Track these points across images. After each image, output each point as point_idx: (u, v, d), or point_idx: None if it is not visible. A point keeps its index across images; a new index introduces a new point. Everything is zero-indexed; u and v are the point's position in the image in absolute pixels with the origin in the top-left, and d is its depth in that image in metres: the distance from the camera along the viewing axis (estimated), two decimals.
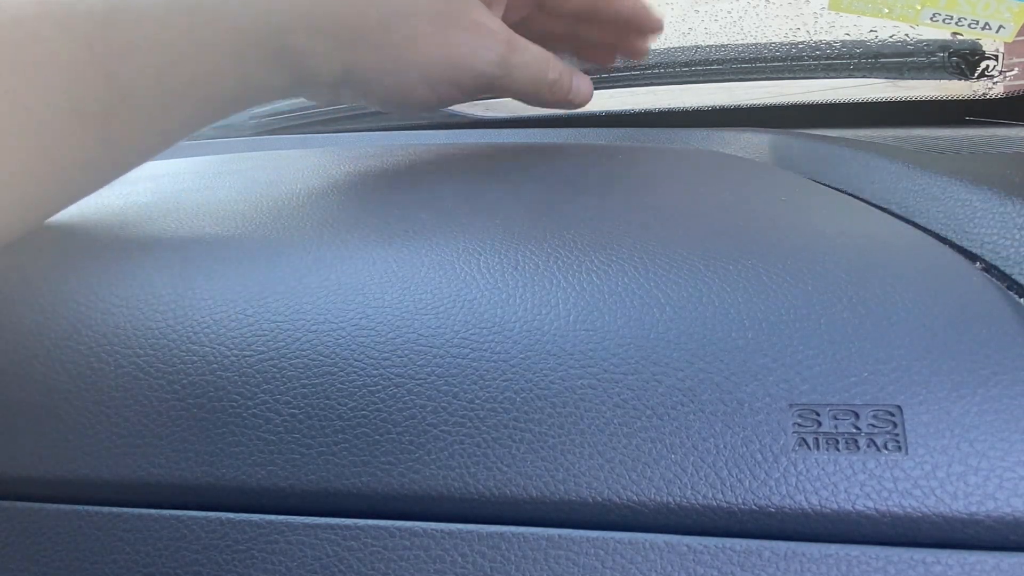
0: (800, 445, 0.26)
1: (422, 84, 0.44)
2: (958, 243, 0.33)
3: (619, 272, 0.32)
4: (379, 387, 0.30)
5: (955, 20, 0.48)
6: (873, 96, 0.69)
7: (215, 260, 0.37)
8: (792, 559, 0.25)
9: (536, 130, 0.75)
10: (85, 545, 0.31)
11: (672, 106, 0.75)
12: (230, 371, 0.32)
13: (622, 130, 0.69)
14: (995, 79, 0.60)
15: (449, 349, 0.30)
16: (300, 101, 0.97)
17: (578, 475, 0.27)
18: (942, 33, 0.52)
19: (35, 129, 0.31)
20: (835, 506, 0.25)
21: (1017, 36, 0.46)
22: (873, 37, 0.64)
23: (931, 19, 0.48)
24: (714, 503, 0.26)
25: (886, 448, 0.25)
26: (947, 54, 0.59)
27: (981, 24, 0.47)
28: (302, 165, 0.58)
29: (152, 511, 0.31)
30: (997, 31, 0.46)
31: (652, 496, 0.26)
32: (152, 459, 0.31)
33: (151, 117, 0.36)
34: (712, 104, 0.72)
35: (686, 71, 0.70)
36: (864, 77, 0.63)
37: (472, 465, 0.28)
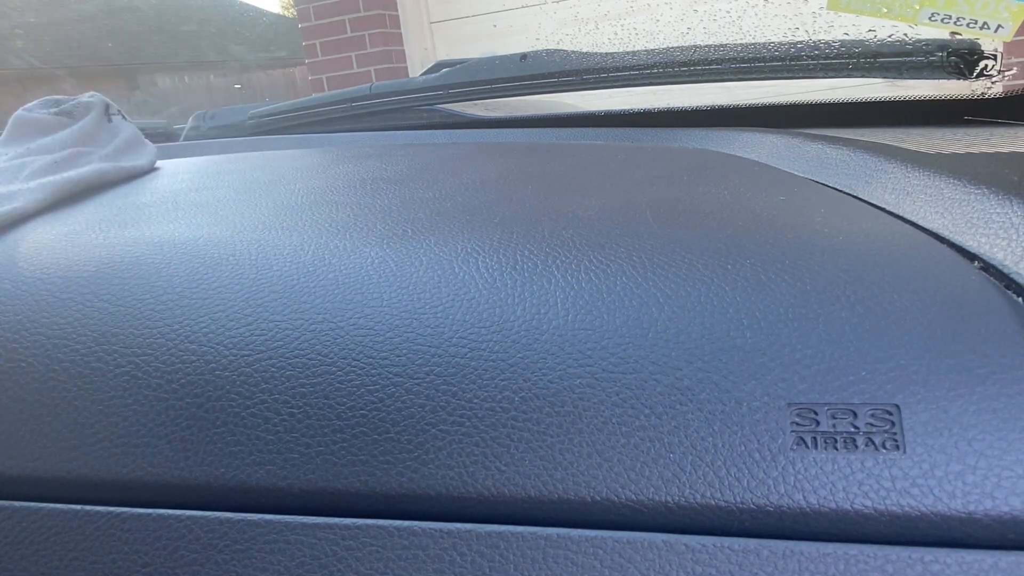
0: (798, 444, 0.26)
1: None
2: (956, 242, 0.33)
3: (617, 272, 0.32)
4: (377, 387, 0.30)
5: (954, 19, 0.48)
6: (872, 96, 0.69)
7: (214, 260, 0.37)
8: (790, 558, 0.25)
9: (536, 130, 0.75)
10: (85, 545, 0.31)
11: (671, 106, 0.75)
12: (229, 371, 0.32)
13: (622, 130, 0.69)
14: (994, 79, 0.60)
15: (448, 349, 0.30)
16: (300, 101, 0.97)
17: (576, 474, 0.27)
18: (941, 32, 0.52)
19: None
20: (833, 505, 0.25)
21: (1016, 35, 0.46)
22: (872, 37, 0.64)
23: (930, 18, 0.48)
24: (712, 502, 0.26)
25: (884, 447, 0.25)
26: (946, 54, 0.59)
27: (980, 23, 0.47)
28: (302, 165, 0.58)
29: (152, 511, 0.31)
30: (996, 30, 0.46)
31: (650, 495, 0.26)
32: (151, 459, 0.31)
33: None
34: (711, 104, 0.72)
35: (685, 71, 0.70)
36: (863, 77, 0.63)
37: (471, 464, 0.28)
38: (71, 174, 0.53)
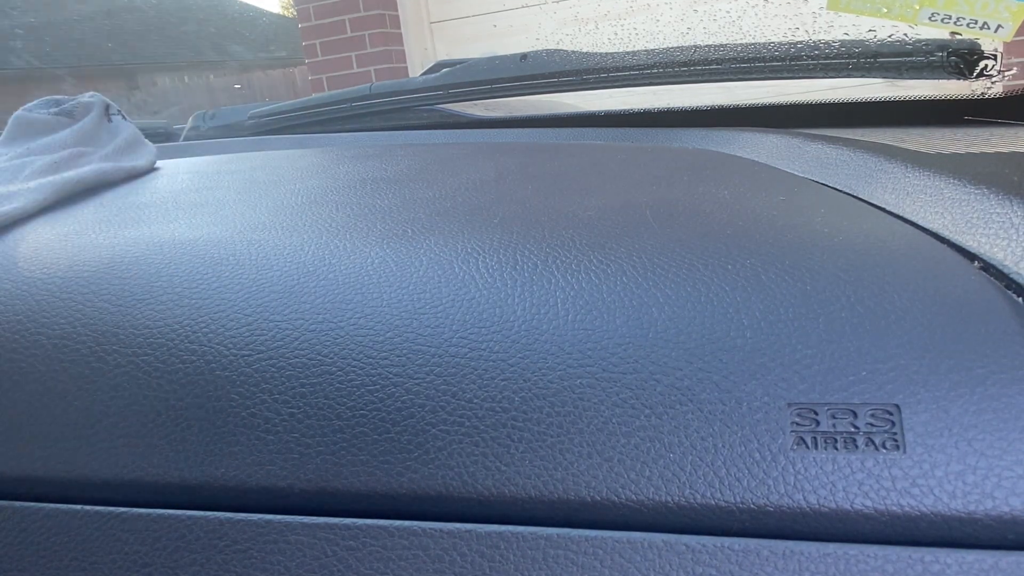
0: (798, 444, 0.26)
1: None
2: (956, 242, 0.33)
3: (618, 272, 0.32)
4: (378, 387, 0.30)
5: (954, 19, 0.48)
6: (872, 96, 0.69)
7: (214, 260, 0.37)
8: (790, 558, 0.25)
9: (536, 130, 0.75)
10: (85, 545, 0.31)
11: (671, 106, 0.75)
12: (229, 371, 0.32)
13: (622, 130, 0.69)
14: (994, 79, 0.60)
15: (448, 349, 0.30)
16: (300, 101, 0.97)
17: (576, 474, 0.27)
18: (941, 32, 0.52)
19: None
20: (833, 505, 0.25)
21: (1016, 35, 0.46)
22: (872, 37, 0.64)
23: (930, 18, 0.48)
24: (712, 502, 0.26)
25: (884, 447, 0.25)
26: (946, 54, 0.59)
27: (980, 23, 0.47)
28: (301, 165, 0.58)
29: (152, 511, 0.31)
30: (996, 30, 0.46)
31: (650, 495, 0.26)
32: (151, 459, 0.31)
33: None
34: (711, 104, 0.72)
35: (685, 71, 0.70)
36: (863, 77, 0.63)
37: (471, 465, 0.28)
38: (71, 174, 0.53)
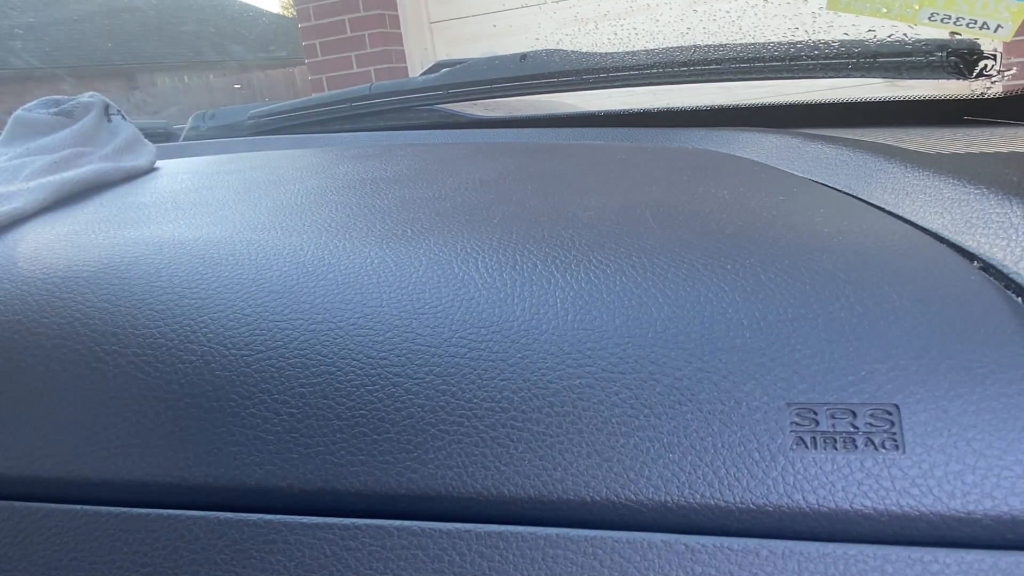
0: (798, 444, 0.26)
1: None
2: (956, 242, 0.33)
3: (617, 272, 0.32)
4: (377, 387, 0.30)
5: (953, 19, 0.48)
6: (872, 96, 0.69)
7: (214, 260, 0.37)
8: (790, 558, 0.25)
9: (536, 130, 0.75)
10: (85, 545, 0.31)
11: (671, 106, 0.75)
12: (228, 371, 0.32)
13: (621, 130, 0.69)
14: (993, 79, 0.60)
15: (447, 349, 0.30)
16: (300, 101, 0.97)
17: (576, 474, 0.27)
18: (940, 32, 0.52)
19: None
20: (833, 505, 0.25)
21: (1016, 35, 0.46)
22: (872, 37, 0.64)
23: (929, 18, 0.48)
24: (712, 502, 0.26)
25: (884, 447, 0.25)
26: (945, 54, 0.59)
27: (979, 23, 0.47)
28: (301, 165, 0.58)
29: (151, 511, 0.31)
30: (995, 30, 0.46)
31: (650, 495, 0.26)
32: (151, 459, 0.31)
33: None
34: (711, 104, 0.72)
35: (685, 71, 0.70)
36: (863, 77, 0.63)
37: (470, 464, 0.28)
38: (71, 174, 0.53)
